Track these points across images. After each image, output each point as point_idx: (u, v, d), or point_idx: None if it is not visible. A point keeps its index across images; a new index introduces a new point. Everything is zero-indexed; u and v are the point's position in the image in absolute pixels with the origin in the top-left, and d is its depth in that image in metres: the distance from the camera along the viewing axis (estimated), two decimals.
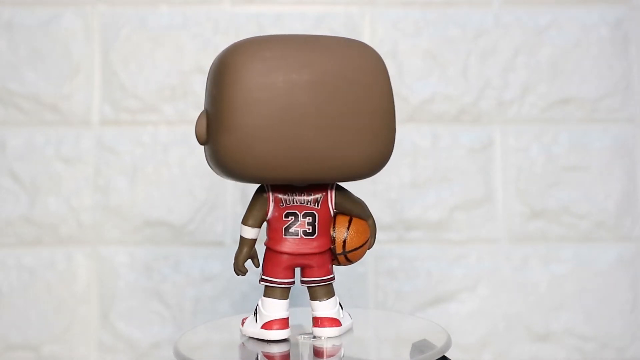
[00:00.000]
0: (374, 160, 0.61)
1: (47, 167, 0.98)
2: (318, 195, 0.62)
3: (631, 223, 1.00)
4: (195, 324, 0.96)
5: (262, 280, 0.63)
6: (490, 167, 1.00)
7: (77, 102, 0.99)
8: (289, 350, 0.61)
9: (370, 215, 0.65)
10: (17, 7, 0.99)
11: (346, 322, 0.64)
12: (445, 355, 0.61)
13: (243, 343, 0.63)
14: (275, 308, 0.62)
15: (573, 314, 1.00)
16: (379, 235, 0.68)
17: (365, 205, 0.65)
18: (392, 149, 0.62)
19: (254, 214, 0.62)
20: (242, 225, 0.63)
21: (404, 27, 1.00)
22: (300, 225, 0.62)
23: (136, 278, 0.98)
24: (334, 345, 0.62)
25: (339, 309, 0.64)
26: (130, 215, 0.98)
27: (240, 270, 0.63)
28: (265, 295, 0.63)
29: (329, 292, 0.63)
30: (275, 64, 0.57)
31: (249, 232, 0.63)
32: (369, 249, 0.65)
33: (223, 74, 0.58)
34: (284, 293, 0.63)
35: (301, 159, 0.58)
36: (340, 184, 0.63)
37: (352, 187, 0.64)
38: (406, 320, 0.76)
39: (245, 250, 0.63)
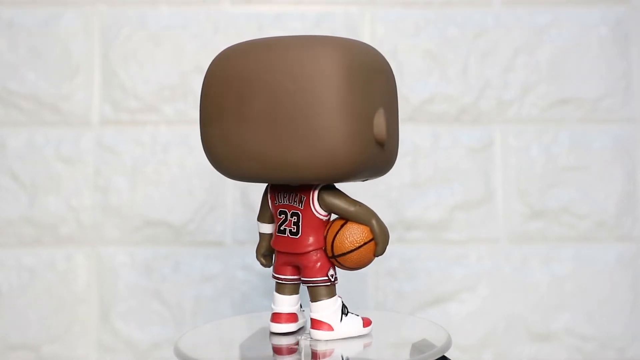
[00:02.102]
0: (330, 164, 0.58)
1: (47, 167, 0.98)
2: (303, 195, 0.62)
3: (631, 223, 1.00)
4: (195, 324, 0.96)
5: (272, 276, 0.65)
6: (490, 167, 1.00)
7: (77, 102, 0.99)
8: (295, 344, 0.62)
9: (372, 220, 0.61)
10: (17, 7, 0.99)
11: (344, 328, 0.62)
12: (445, 355, 0.61)
13: (254, 335, 0.66)
14: (281, 303, 0.64)
15: (573, 314, 1.00)
16: None
17: (365, 208, 0.61)
18: (361, 154, 0.59)
19: (262, 210, 0.66)
20: (257, 221, 0.67)
21: (404, 27, 1.00)
22: (288, 224, 0.63)
23: (136, 278, 0.98)
24: (327, 348, 0.61)
25: (336, 313, 0.62)
26: (130, 215, 0.98)
27: (260, 261, 0.67)
28: (275, 290, 0.65)
29: (325, 294, 0.62)
30: (230, 73, 0.61)
31: (262, 227, 0.67)
32: (376, 256, 0.62)
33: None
34: (290, 289, 0.64)
35: (254, 160, 0.60)
36: (337, 185, 0.63)
37: (352, 187, 0.64)
38: (406, 320, 0.76)
39: (262, 244, 0.67)
